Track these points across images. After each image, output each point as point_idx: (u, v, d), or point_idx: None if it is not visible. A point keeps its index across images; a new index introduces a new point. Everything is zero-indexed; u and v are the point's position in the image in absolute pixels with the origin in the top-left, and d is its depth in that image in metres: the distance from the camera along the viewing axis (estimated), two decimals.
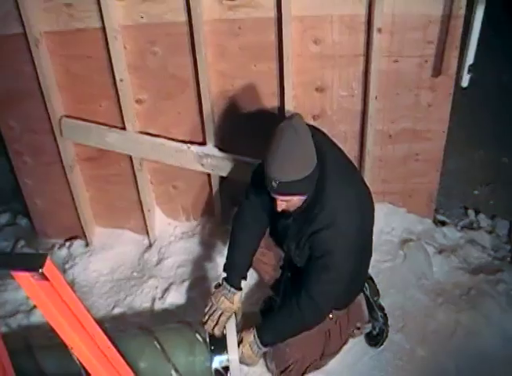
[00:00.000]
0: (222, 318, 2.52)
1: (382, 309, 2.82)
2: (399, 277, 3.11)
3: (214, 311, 2.54)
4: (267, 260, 2.80)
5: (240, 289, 2.59)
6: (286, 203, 2.30)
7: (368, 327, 2.79)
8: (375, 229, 3.21)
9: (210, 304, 2.57)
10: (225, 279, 2.59)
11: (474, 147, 3.89)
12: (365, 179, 3.01)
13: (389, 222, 3.31)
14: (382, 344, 2.80)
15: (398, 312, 2.96)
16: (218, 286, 2.61)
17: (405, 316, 2.94)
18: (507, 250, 3.26)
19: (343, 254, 2.29)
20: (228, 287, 2.56)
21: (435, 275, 3.11)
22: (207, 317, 2.54)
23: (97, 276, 3.34)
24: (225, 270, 2.61)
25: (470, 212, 3.51)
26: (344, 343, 2.71)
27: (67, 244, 3.50)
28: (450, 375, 2.69)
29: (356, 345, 2.82)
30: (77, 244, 3.49)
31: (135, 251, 3.43)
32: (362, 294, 2.74)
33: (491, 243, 3.29)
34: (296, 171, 2.17)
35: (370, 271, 3.08)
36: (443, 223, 3.42)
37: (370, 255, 2.65)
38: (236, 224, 2.63)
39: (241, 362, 2.48)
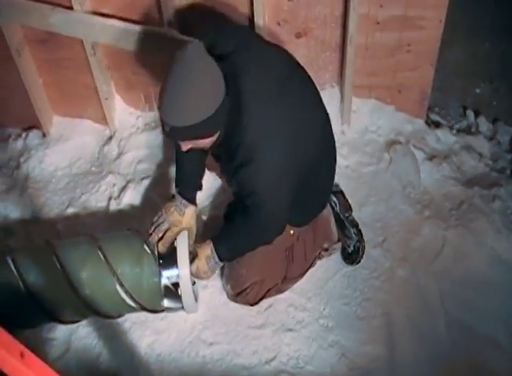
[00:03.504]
0: (169, 233, 2.08)
1: (355, 225, 2.35)
2: (382, 184, 2.60)
3: (162, 223, 2.09)
4: None
5: (194, 204, 2.14)
6: (191, 144, 1.87)
7: (337, 248, 2.36)
8: (359, 126, 2.77)
9: (159, 214, 2.12)
10: (178, 192, 2.14)
11: (479, 38, 3.18)
12: (348, 72, 2.57)
13: (375, 120, 2.76)
14: (358, 262, 2.35)
15: (379, 224, 2.48)
16: (172, 198, 2.15)
17: (386, 229, 2.46)
18: (508, 160, 2.67)
19: (269, 192, 1.88)
20: (181, 199, 2.10)
21: (423, 184, 2.58)
22: (153, 228, 2.09)
23: (53, 171, 2.86)
24: (176, 186, 2.16)
25: (469, 113, 2.87)
26: (310, 266, 2.30)
27: (23, 134, 2.96)
28: (432, 300, 2.25)
29: (329, 260, 2.37)
30: (34, 134, 2.96)
31: (94, 143, 2.90)
32: (330, 210, 2.29)
33: (490, 151, 2.69)
34: (188, 116, 1.73)
35: (350, 174, 2.64)
36: (437, 125, 2.82)
37: (330, 166, 2.18)
38: None
39: (194, 277, 2.10)
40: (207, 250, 2.07)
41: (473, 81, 3.04)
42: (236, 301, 2.27)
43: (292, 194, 1.95)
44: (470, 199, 2.50)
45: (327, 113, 2.13)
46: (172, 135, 1.80)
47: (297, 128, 1.88)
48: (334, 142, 2.19)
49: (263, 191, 1.87)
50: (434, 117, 2.87)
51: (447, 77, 2.96)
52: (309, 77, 2.07)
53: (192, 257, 2.08)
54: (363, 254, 2.33)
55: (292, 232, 2.19)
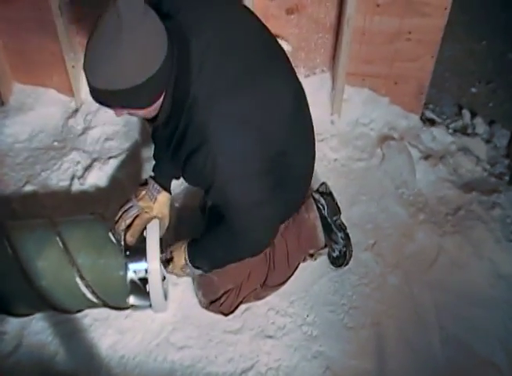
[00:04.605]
0: (138, 221, 1.82)
1: (343, 228, 2.11)
2: (374, 182, 2.41)
3: (131, 208, 1.83)
4: None
5: (168, 191, 1.90)
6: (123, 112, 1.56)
7: (323, 253, 2.13)
8: (350, 118, 2.58)
9: (128, 199, 1.88)
10: (151, 177, 1.90)
11: (476, 36, 3.04)
12: (342, 56, 2.39)
13: (367, 112, 2.58)
14: (346, 264, 2.13)
15: (370, 225, 2.29)
16: (144, 184, 1.90)
17: (378, 231, 2.27)
18: (505, 165, 2.52)
19: (236, 183, 1.56)
20: (153, 184, 1.87)
21: (418, 185, 2.40)
22: (120, 213, 1.84)
23: (11, 143, 2.60)
24: (153, 171, 1.93)
25: (465, 113, 2.70)
26: (293, 273, 2.08)
27: None
28: (427, 313, 2.06)
29: (314, 262, 2.15)
30: None
31: (59, 116, 2.64)
32: (317, 214, 2.04)
33: (487, 154, 2.52)
34: (115, 78, 1.40)
35: (340, 169, 2.45)
36: (432, 122, 2.64)
37: (307, 149, 1.88)
38: None
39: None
40: (182, 259, 1.83)
41: (469, 79, 2.89)
42: (208, 309, 2.04)
43: (269, 188, 1.63)
44: (468, 205, 2.32)
45: (301, 88, 1.80)
46: (96, 97, 1.48)
47: (262, 104, 1.56)
48: (311, 118, 1.86)
49: (226, 181, 1.55)
50: (429, 113, 2.69)
51: (443, 74, 2.79)
52: (280, 48, 1.76)
53: (167, 259, 1.87)
54: (350, 258, 2.11)
55: None
